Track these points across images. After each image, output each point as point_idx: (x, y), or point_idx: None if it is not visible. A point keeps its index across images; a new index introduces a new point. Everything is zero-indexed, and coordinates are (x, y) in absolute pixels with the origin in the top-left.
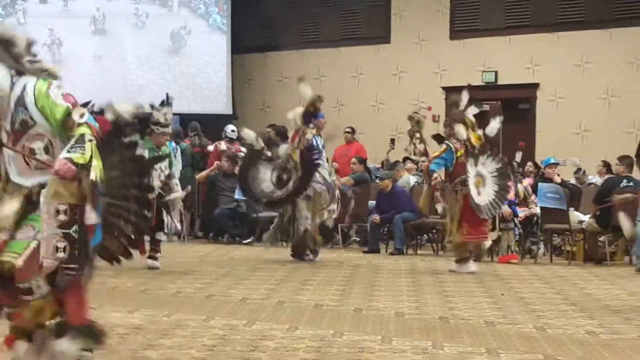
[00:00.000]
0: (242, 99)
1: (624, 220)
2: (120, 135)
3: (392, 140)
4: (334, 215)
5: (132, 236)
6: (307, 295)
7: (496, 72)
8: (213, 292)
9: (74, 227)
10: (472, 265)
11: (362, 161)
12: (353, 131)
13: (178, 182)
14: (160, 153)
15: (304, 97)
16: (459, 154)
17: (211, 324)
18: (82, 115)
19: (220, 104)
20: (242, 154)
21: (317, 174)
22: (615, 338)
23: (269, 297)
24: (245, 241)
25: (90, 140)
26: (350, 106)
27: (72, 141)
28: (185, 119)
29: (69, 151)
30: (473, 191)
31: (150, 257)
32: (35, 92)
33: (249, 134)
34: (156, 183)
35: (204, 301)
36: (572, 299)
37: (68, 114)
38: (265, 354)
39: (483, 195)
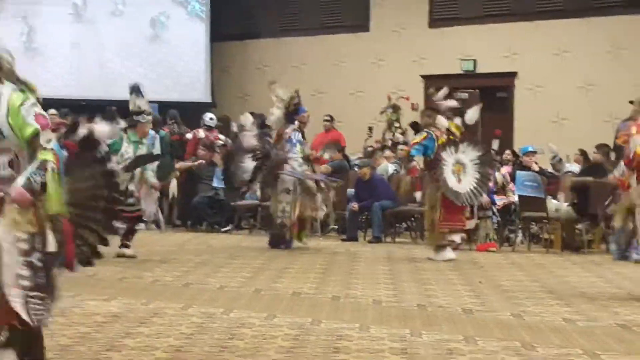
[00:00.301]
0: (221, 87)
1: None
2: (93, 148)
3: (370, 129)
4: (323, 208)
5: (96, 246)
6: (285, 283)
7: (475, 61)
8: (191, 280)
9: (36, 255)
10: (450, 253)
11: (341, 149)
12: (332, 119)
13: (154, 170)
14: (143, 143)
15: (280, 98)
16: (440, 141)
17: (189, 312)
18: (48, 141)
19: (199, 92)
20: (220, 142)
21: (287, 166)
22: (591, 325)
23: (247, 285)
24: (223, 229)
25: (52, 169)
26: (330, 94)
27: (33, 166)
28: (163, 107)
29: (28, 177)
30: (450, 179)
31: (123, 245)
32: (8, 105)
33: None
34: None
35: (181, 289)
36: (550, 287)
37: (35, 135)
38: (242, 341)
39: (464, 182)
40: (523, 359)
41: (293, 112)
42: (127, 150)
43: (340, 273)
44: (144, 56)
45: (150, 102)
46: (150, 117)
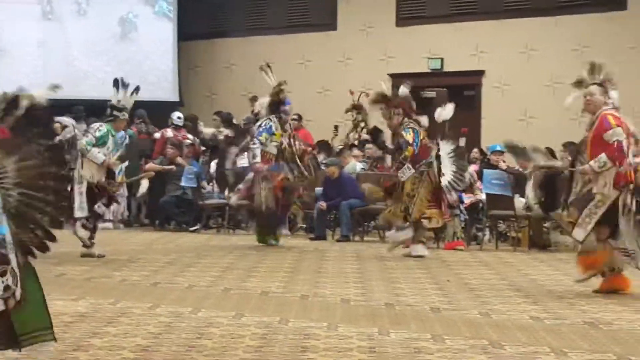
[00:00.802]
0: (189, 86)
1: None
2: (36, 123)
3: (336, 127)
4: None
5: (48, 228)
6: (254, 283)
7: (442, 59)
8: (159, 279)
9: None
10: (423, 250)
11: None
12: (300, 118)
13: (123, 168)
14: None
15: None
16: (421, 136)
17: (157, 311)
18: None
19: (167, 91)
20: (188, 141)
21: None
22: (558, 323)
23: (215, 285)
24: (191, 228)
25: None
26: (297, 93)
27: None
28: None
29: None
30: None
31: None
32: None
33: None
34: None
35: (149, 289)
36: (517, 285)
37: None
38: (210, 341)
39: (445, 176)
40: (490, 357)
41: (278, 102)
42: (111, 143)
43: (308, 272)
44: (111, 55)
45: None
46: (127, 115)
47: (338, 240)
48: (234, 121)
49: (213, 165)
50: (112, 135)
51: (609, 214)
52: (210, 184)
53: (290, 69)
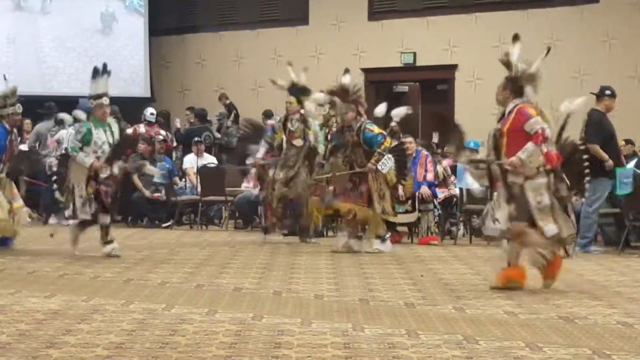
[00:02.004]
0: (160, 82)
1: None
2: None
3: None
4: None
5: None
6: (227, 279)
7: (415, 54)
8: (131, 276)
9: None
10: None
11: None
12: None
13: None
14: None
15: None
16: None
17: (130, 308)
18: None
19: (138, 87)
20: (161, 137)
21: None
22: (533, 318)
23: (188, 281)
24: (164, 225)
25: None
26: (269, 88)
27: None
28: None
29: None
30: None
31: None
32: None
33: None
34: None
35: (122, 285)
36: (491, 280)
37: None
38: (184, 337)
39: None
40: (465, 352)
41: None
42: (100, 137)
43: (282, 268)
44: (82, 51)
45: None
46: (107, 100)
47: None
48: (208, 117)
49: (185, 160)
50: (101, 127)
51: (522, 207)
52: (183, 179)
53: (262, 64)
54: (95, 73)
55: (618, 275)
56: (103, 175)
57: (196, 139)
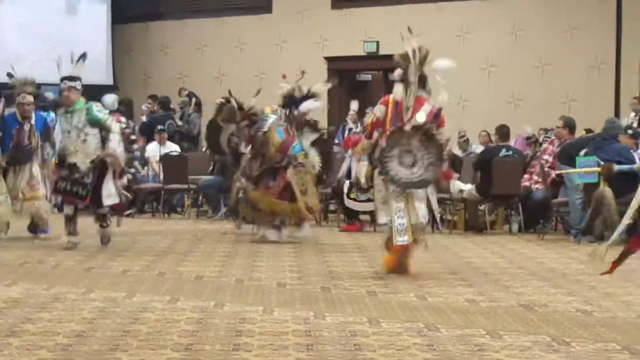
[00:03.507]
0: (123, 69)
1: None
2: None
3: None
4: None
5: None
6: (189, 267)
7: (378, 42)
8: (93, 264)
9: None
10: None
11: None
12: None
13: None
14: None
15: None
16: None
17: (91, 296)
18: None
19: (101, 74)
20: (122, 125)
21: None
22: (494, 306)
23: (150, 269)
24: (126, 213)
25: None
26: (233, 77)
27: None
28: None
29: None
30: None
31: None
32: None
33: None
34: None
35: (83, 274)
36: (453, 268)
37: None
38: (145, 326)
39: None
40: (426, 339)
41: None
42: (62, 125)
43: (244, 256)
44: (44, 38)
45: (51, 84)
46: (74, 83)
47: (274, 225)
48: (171, 105)
49: (148, 149)
50: (66, 113)
51: None
52: (145, 167)
53: (226, 52)
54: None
55: (577, 263)
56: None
57: (159, 127)
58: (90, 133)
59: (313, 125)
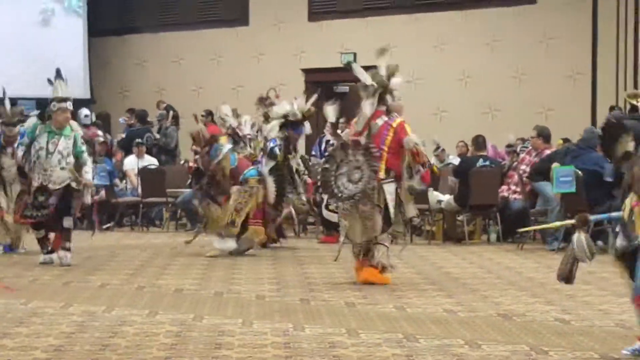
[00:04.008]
0: (100, 83)
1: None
2: None
3: None
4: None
5: None
6: (168, 280)
7: (355, 54)
8: (71, 278)
9: None
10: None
11: None
12: (209, 114)
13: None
14: (61, 134)
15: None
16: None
17: (69, 310)
18: None
19: (78, 88)
20: (100, 139)
21: None
22: (472, 316)
23: (129, 283)
24: (104, 226)
25: None
26: (210, 89)
27: None
28: (42, 104)
29: None
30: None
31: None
32: None
33: None
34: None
35: (61, 288)
36: (432, 278)
37: None
38: (124, 339)
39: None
40: (405, 350)
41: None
42: (39, 141)
43: (223, 269)
44: (20, 52)
45: (28, 98)
46: (66, 105)
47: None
48: (148, 118)
49: (126, 162)
50: (49, 132)
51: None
52: (124, 181)
53: (203, 65)
54: (57, 76)
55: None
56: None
57: (137, 140)
58: (70, 162)
59: (270, 154)
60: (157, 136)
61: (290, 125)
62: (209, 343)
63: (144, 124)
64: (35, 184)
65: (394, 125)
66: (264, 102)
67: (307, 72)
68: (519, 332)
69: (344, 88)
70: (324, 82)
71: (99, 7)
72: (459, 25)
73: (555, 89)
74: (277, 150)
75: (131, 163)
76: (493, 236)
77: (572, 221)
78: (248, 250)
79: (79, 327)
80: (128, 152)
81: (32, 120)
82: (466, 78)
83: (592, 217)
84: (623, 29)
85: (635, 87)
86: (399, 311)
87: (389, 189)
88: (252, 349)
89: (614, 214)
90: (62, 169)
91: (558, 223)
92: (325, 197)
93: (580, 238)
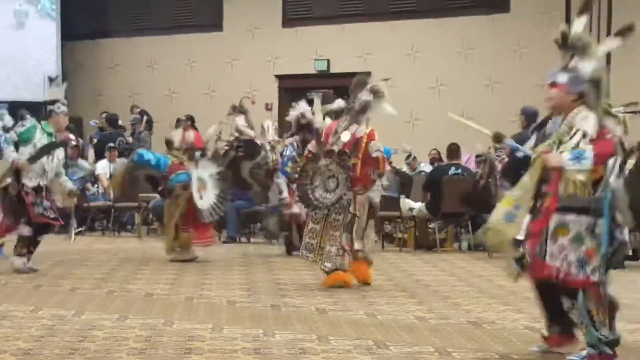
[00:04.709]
0: (73, 87)
1: None
2: None
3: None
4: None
5: None
6: (138, 285)
7: (328, 61)
8: (41, 282)
9: None
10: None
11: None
12: (189, 119)
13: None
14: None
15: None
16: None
17: (39, 314)
18: None
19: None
20: (73, 143)
21: None
22: (443, 323)
23: (99, 287)
24: (75, 230)
25: None
26: (184, 94)
27: None
28: (14, 107)
29: None
30: (196, 195)
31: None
32: None
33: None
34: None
35: (32, 292)
36: (403, 285)
37: None
38: (94, 344)
39: (205, 198)
40: (375, 357)
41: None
42: (41, 141)
43: (194, 274)
44: None
45: (0, 101)
46: (65, 108)
47: (224, 242)
48: (120, 122)
49: (98, 166)
50: (48, 134)
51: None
52: (96, 185)
53: (177, 70)
54: (49, 80)
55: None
56: (26, 174)
57: (110, 144)
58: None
59: (216, 157)
60: (130, 140)
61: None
62: (179, 348)
63: (114, 128)
64: (31, 184)
65: (365, 134)
66: (237, 110)
67: (280, 78)
68: (489, 339)
69: (317, 95)
70: (298, 89)
71: (72, 11)
72: (433, 33)
73: (528, 97)
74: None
75: (103, 167)
76: (464, 244)
77: (488, 132)
78: (191, 259)
79: (48, 331)
80: (100, 156)
81: (30, 122)
82: (439, 86)
83: (508, 141)
84: (595, 37)
85: (607, 96)
86: (370, 318)
87: (360, 199)
88: (222, 354)
89: (528, 150)
90: (56, 175)
91: (474, 125)
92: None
93: (491, 157)
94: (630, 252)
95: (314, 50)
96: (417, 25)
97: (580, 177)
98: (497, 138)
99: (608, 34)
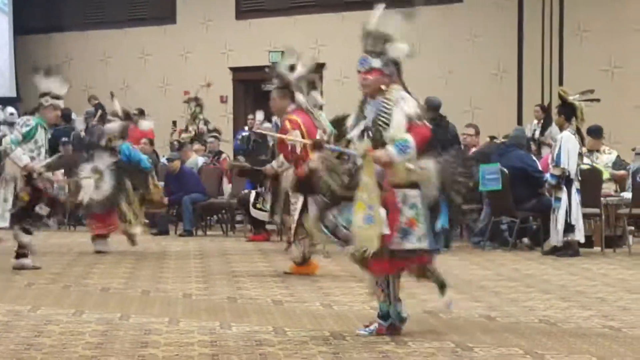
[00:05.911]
0: (27, 81)
1: None
2: None
3: (174, 123)
4: None
5: None
6: (94, 279)
7: (283, 52)
8: None
9: None
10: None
11: (151, 142)
12: (141, 113)
13: None
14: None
15: None
16: None
17: None
18: None
19: (4, 87)
20: None
21: None
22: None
23: (55, 282)
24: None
25: None
26: (137, 88)
27: None
28: None
29: None
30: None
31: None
32: None
33: None
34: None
35: None
36: (359, 276)
37: None
38: (50, 338)
39: (100, 189)
40: (331, 347)
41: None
42: (40, 136)
43: (150, 267)
44: None
45: None
46: (57, 101)
47: (181, 235)
48: (73, 116)
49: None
50: (45, 129)
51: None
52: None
53: (130, 63)
54: (47, 71)
55: (482, 269)
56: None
57: (64, 139)
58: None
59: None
60: (83, 134)
61: None
62: (135, 342)
63: (68, 122)
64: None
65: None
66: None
67: (234, 70)
68: (445, 329)
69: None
70: (252, 81)
71: (25, 5)
72: None
73: (482, 87)
74: None
75: None
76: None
77: (309, 141)
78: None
79: (4, 327)
80: (55, 151)
81: (33, 121)
82: None
83: (327, 145)
84: (548, 28)
85: (560, 85)
86: (326, 309)
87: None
88: (178, 347)
89: (351, 151)
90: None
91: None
92: (252, 195)
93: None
94: (584, 240)
95: (268, 42)
96: (369, 16)
97: (410, 165)
98: (316, 146)
99: (560, 29)
